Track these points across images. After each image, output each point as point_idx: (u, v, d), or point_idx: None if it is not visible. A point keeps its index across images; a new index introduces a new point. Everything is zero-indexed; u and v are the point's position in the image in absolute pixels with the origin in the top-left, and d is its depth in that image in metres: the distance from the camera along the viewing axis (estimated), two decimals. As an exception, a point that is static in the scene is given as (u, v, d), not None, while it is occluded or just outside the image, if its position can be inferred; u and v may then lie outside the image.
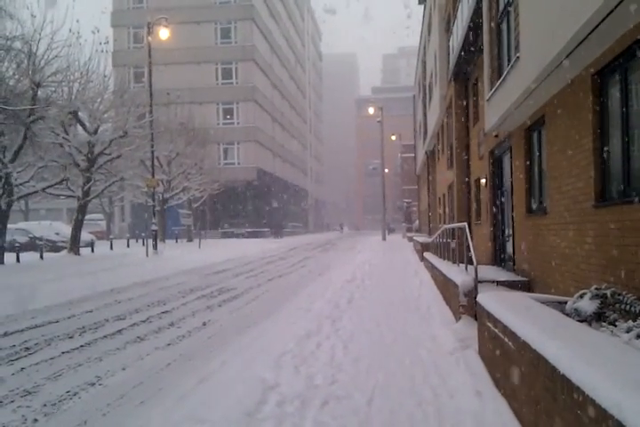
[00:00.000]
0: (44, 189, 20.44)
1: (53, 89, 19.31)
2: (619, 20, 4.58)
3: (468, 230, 8.60)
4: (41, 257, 20.08)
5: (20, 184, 19.26)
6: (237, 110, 48.00)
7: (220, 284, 13.77)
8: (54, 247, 24.99)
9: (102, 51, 21.17)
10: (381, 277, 13.22)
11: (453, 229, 11.09)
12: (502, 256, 11.23)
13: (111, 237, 32.52)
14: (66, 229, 25.92)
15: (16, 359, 6.44)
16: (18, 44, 17.72)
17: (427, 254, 15.72)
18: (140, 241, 31.14)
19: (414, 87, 44.14)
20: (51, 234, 26.74)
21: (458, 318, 7.64)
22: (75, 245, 21.35)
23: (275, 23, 56.54)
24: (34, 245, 24.13)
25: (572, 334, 3.57)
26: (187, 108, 36.90)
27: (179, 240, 36.58)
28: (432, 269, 13.11)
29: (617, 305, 4.48)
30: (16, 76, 17.74)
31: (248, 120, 47.67)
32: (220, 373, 5.59)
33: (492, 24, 10.00)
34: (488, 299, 5.36)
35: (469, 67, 14.90)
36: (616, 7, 4.33)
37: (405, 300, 10.37)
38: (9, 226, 26.33)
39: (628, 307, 4.40)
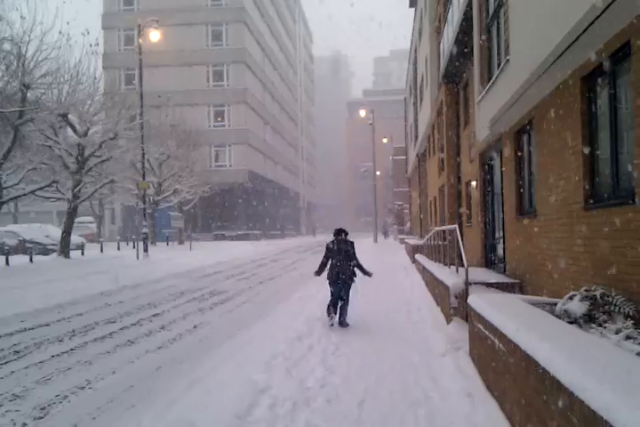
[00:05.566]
0: (33, 192, 20.30)
1: (43, 91, 19.18)
2: (606, 23, 4.62)
3: (458, 232, 8.62)
4: (31, 260, 19.92)
5: (10, 186, 19.13)
6: (229, 113, 47.91)
7: (210, 286, 13.72)
8: (44, 250, 24.80)
9: (92, 53, 21.05)
10: (373, 279, 13.21)
11: (444, 231, 11.11)
12: (493, 258, 11.27)
13: (101, 239, 32.35)
14: (56, 232, 25.72)
15: (5, 363, 6.39)
16: (7, 46, 17.60)
17: (418, 256, 15.75)
18: (131, 244, 30.98)
19: (405, 90, 44.27)
20: (40, 237, 26.51)
21: (449, 320, 7.66)
22: (65, 247, 21.20)
23: (266, 26, 56.54)
24: (24, 248, 23.95)
25: (561, 335, 3.59)
26: (178, 111, 36.82)
27: (170, 243, 36.43)
28: (423, 271, 13.13)
29: (606, 307, 4.50)
30: (5, 78, 17.61)
31: (239, 122, 47.60)
32: (211, 376, 5.57)
33: (483, 27, 10.05)
34: (479, 301, 5.37)
35: (460, 69, 14.97)
36: (603, 12, 4.37)
37: (396, 302, 10.38)
38: (-2, 229, 26.27)
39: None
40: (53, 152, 20.11)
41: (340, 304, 7.92)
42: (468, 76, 13.53)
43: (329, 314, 7.84)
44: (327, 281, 8.03)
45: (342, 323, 7.96)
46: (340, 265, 7.87)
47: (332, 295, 7.93)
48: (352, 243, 8.07)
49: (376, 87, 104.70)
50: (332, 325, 7.79)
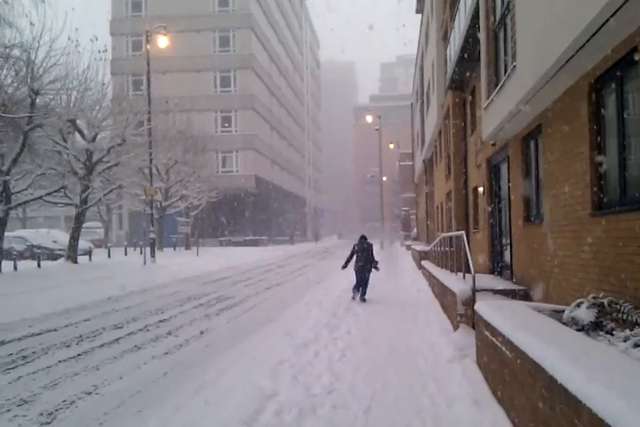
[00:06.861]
0: (41, 197, 20.42)
1: (52, 97, 19.33)
2: (613, 29, 4.62)
3: (465, 239, 8.60)
4: (38, 265, 20.02)
5: (18, 192, 19.25)
6: (236, 118, 48.07)
7: (217, 292, 13.74)
8: (52, 255, 24.91)
9: (101, 59, 21.23)
10: (379, 285, 13.21)
11: (451, 237, 11.09)
12: (500, 265, 11.23)
13: (109, 245, 32.51)
14: (63, 237, 25.84)
15: (13, 368, 6.42)
16: (16, 52, 17.75)
17: (424, 263, 15.72)
18: (138, 249, 31.05)
19: (412, 95, 44.29)
20: (48, 242, 26.65)
21: (456, 327, 7.63)
22: (72, 253, 21.29)
23: (273, 32, 56.78)
24: (31, 253, 24.07)
25: (569, 343, 3.57)
26: (185, 116, 36.94)
27: (177, 248, 36.52)
28: (430, 277, 13.10)
29: (614, 314, 4.47)
30: (15, 84, 17.75)
31: (246, 128, 47.73)
32: (218, 381, 5.58)
33: (489, 33, 10.06)
34: (486, 308, 5.36)
35: (467, 75, 14.96)
36: (611, 16, 4.37)
37: (403, 308, 10.36)
38: (7, 234, 26.36)
39: (625, 316, 4.40)
40: (62, 157, 20.24)
41: (362, 287, 11.34)
42: (475, 82, 13.53)
43: (353, 293, 11.48)
44: (354, 270, 11.56)
45: (364, 299, 11.22)
46: (363, 259, 11.49)
47: (356, 280, 11.47)
48: (371, 244, 11.84)
49: (382, 93, 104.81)
50: (354, 299, 11.24)
